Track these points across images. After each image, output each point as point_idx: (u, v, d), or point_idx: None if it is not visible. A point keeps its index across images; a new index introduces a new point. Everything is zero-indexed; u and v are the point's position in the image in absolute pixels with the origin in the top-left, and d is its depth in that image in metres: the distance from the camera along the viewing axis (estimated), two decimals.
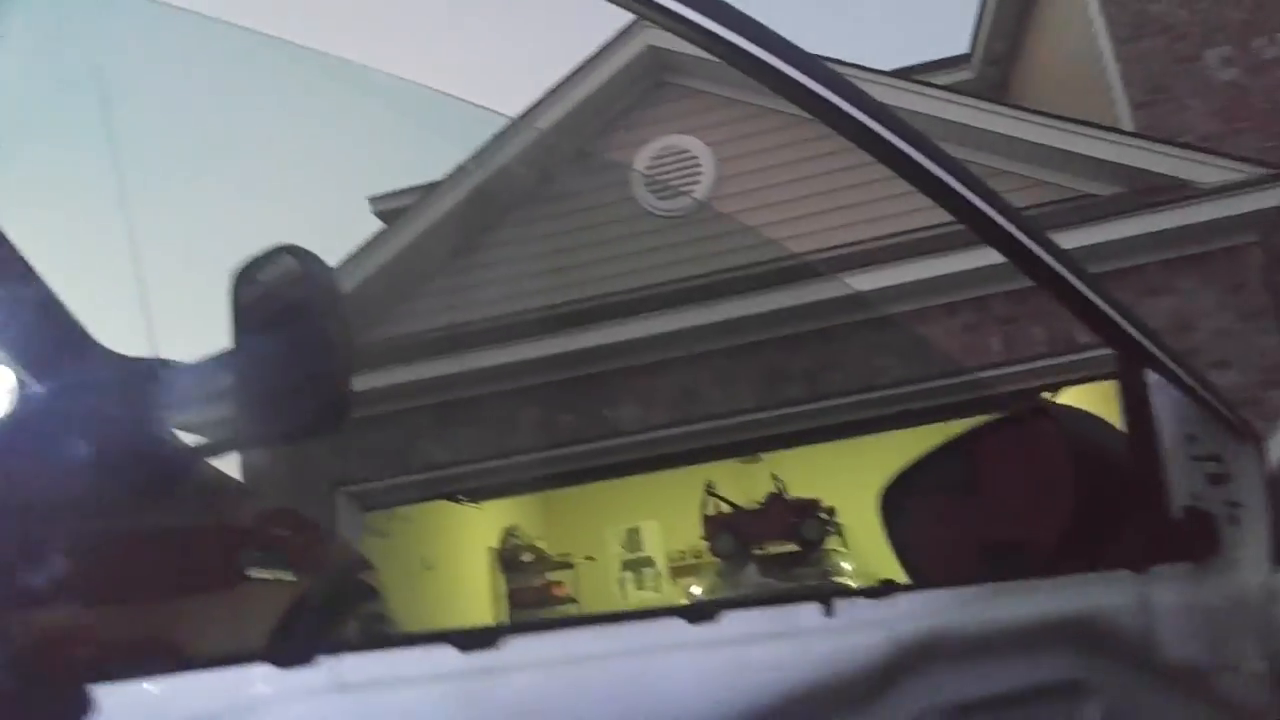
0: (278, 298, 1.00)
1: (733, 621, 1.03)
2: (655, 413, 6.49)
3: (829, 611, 1.08)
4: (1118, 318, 1.32)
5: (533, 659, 0.92)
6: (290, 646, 0.81)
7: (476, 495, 7.01)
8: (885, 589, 1.13)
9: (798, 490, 9.45)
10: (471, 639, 0.90)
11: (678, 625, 1.01)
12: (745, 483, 9.69)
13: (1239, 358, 5.83)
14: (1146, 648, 1.25)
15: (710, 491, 9.59)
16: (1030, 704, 1.19)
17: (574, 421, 6.53)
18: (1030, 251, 1.26)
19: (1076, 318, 1.34)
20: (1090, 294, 1.31)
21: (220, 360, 1.11)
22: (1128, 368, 1.36)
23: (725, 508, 9.74)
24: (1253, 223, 5.94)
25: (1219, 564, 1.37)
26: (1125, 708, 1.23)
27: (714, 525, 9.62)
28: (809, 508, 9.38)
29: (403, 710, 0.85)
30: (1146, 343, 1.33)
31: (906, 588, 1.23)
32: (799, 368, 6.34)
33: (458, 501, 6.88)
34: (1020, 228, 1.24)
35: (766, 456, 9.03)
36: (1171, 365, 1.36)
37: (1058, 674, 1.20)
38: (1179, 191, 5.98)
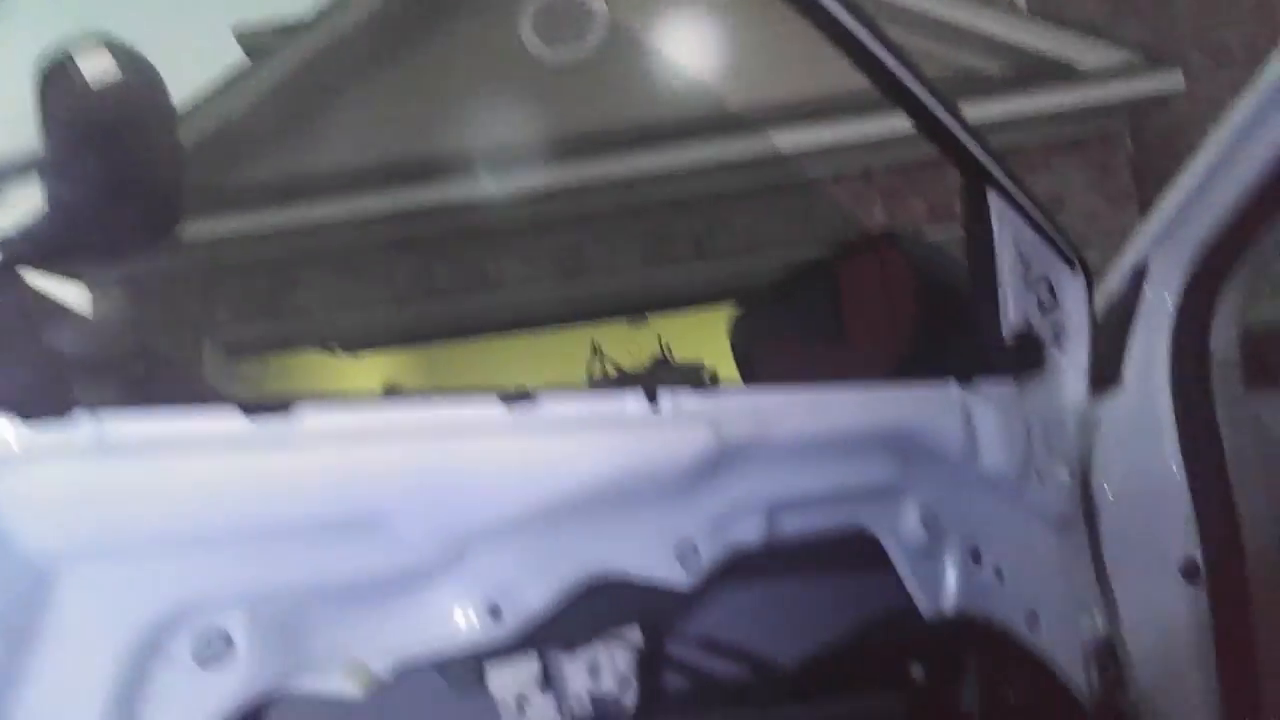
0: (92, 94, 0.87)
1: (553, 407, 1.00)
2: (540, 270, 6.40)
3: (653, 403, 1.07)
4: (964, 138, 1.32)
5: (329, 431, 0.87)
6: (40, 398, 0.73)
7: (351, 347, 6.85)
8: (713, 386, 1.13)
9: (682, 353, 9.61)
10: (260, 404, 0.84)
11: (494, 408, 0.98)
12: (632, 345, 9.77)
13: (1102, 239, 6.13)
14: (964, 456, 1.30)
15: (596, 352, 9.65)
16: (848, 504, 1.23)
17: (453, 274, 6.39)
18: (885, 67, 1.24)
19: (926, 137, 1.33)
20: (940, 114, 1.30)
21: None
22: (971, 189, 1.37)
23: (611, 370, 9.84)
24: (1126, 111, 6.17)
25: (1040, 382, 1.43)
26: (940, 510, 1.28)
27: (600, 387, 9.75)
28: (693, 372, 9.56)
29: (174, 478, 0.77)
30: (989, 164, 1.34)
31: (734, 387, 1.24)
32: (686, 230, 6.33)
33: (331, 351, 6.70)
34: (880, 42, 1.22)
35: (654, 319, 9.10)
36: (1011, 190, 1.37)
37: (877, 478, 1.24)
38: (1062, 73, 6.11)
